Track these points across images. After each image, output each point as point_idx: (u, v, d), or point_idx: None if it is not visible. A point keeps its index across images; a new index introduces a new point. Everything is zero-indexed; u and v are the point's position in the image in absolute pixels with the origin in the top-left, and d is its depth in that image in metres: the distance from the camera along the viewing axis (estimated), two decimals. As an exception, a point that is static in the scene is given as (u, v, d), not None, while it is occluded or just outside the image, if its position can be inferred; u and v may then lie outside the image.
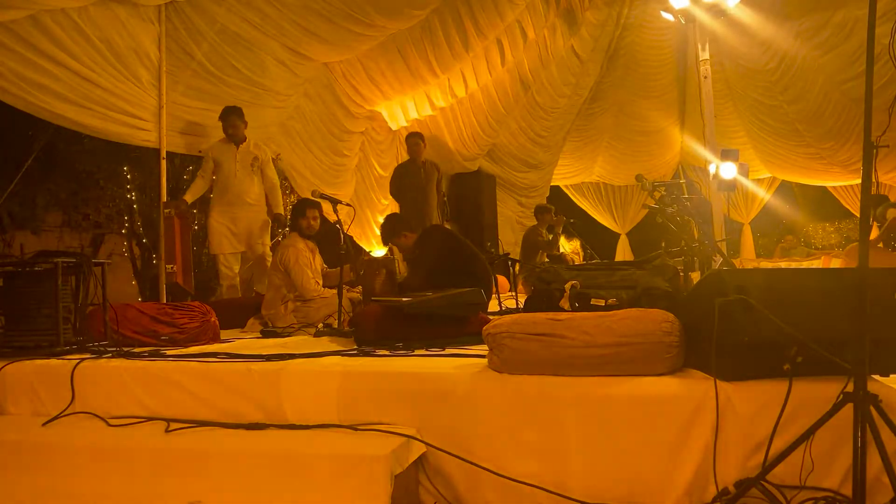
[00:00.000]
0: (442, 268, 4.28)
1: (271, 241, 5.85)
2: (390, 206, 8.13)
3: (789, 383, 2.02)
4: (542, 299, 2.86)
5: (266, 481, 2.16)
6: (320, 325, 4.25)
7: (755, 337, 2.05)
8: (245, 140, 5.50)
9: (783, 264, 9.80)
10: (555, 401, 2.27)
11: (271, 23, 5.92)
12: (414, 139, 7.22)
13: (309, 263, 4.72)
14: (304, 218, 4.82)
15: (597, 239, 12.00)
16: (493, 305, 4.92)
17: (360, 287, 4.68)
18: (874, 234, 5.24)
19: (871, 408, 1.80)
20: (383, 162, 8.55)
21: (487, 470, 2.25)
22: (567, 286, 2.78)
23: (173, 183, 6.43)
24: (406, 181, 7.07)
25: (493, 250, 7.89)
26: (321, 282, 4.83)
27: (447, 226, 7.07)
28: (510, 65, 9.19)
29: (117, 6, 4.97)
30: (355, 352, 2.98)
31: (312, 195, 4.78)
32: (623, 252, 13.69)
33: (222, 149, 5.46)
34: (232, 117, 5.41)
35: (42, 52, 4.49)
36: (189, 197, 5.54)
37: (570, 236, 8.79)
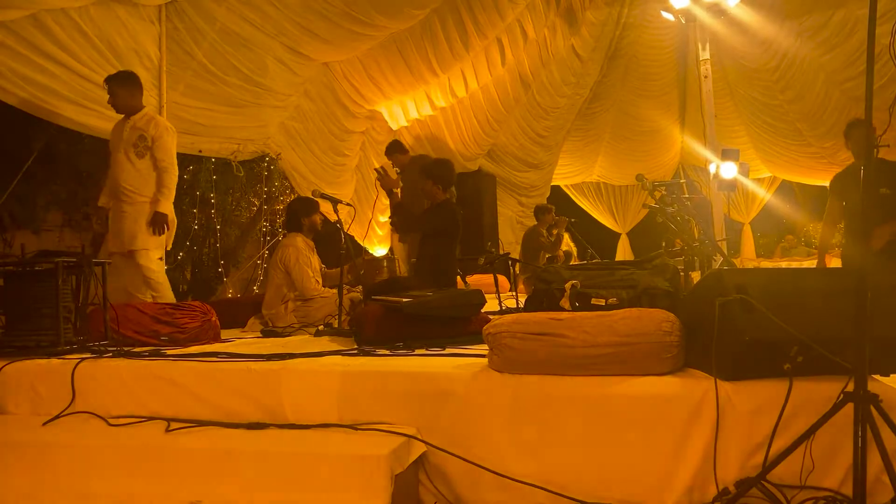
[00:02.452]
0: (433, 237, 4.73)
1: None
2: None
3: (790, 383, 2.02)
4: (542, 299, 2.86)
5: (266, 481, 2.16)
6: (321, 326, 4.26)
7: (755, 336, 2.05)
8: (134, 113, 4.48)
9: (783, 264, 9.80)
10: (555, 400, 2.27)
11: (272, 22, 5.93)
12: (389, 155, 6.90)
13: (309, 263, 4.72)
14: (309, 217, 4.84)
15: (597, 239, 11.99)
16: (493, 305, 4.92)
17: (360, 287, 4.69)
18: None
19: (872, 407, 1.80)
20: (383, 161, 8.56)
21: (487, 469, 2.25)
22: (567, 286, 2.78)
23: (173, 183, 6.42)
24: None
25: (493, 250, 7.88)
26: (321, 281, 4.84)
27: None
28: (510, 64, 9.19)
29: (118, 6, 4.97)
30: (355, 351, 2.98)
31: (313, 195, 4.78)
32: (623, 252, 13.69)
33: (115, 125, 4.57)
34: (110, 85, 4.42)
35: (43, 52, 4.49)
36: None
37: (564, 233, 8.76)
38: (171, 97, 5.48)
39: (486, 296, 3.56)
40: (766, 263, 11.11)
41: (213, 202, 6.77)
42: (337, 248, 4.30)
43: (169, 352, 3.14)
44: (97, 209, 4.74)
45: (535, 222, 8.72)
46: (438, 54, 7.86)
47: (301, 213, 4.88)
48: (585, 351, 2.28)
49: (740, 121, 12.05)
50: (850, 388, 1.83)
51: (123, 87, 4.44)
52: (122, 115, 4.52)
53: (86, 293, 3.35)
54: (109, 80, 4.45)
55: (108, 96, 4.44)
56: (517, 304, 5.31)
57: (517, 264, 6.76)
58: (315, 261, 4.87)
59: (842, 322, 1.95)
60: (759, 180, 13.29)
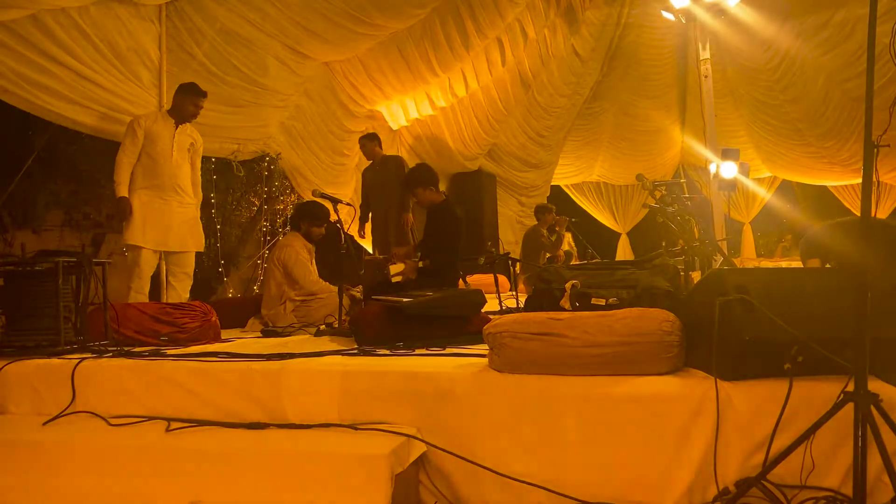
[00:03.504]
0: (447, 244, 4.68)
1: None
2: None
3: (790, 383, 2.02)
4: (542, 299, 2.86)
5: (266, 481, 2.16)
6: (321, 326, 4.26)
7: (756, 336, 2.05)
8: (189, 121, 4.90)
9: (783, 264, 9.79)
10: (555, 400, 2.27)
11: (272, 22, 5.92)
12: (361, 142, 6.91)
13: (307, 263, 4.74)
14: (313, 226, 4.86)
15: (597, 238, 12.00)
16: (493, 305, 4.92)
17: (360, 286, 4.69)
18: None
19: (872, 407, 1.80)
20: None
21: (488, 469, 2.25)
22: (567, 285, 2.78)
23: (173, 182, 6.41)
24: (367, 183, 6.82)
25: (493, 250, 7.88)
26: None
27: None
28: (511, 64, 9.19)
29: (118, 6, 4.97)
30: (356, 351, 2.98)
31: (313, 195, 4.78)
32: (623, 252, 13.69)
33: (157, 124, 4.72)
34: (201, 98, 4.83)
35: (43, 52, 4.49)
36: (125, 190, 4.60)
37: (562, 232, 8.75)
38: (171, 97, 5.47)
39: (487, 295, 3.56)
40: (767, 263, 11.11)
41: (214, 202, 6.77)
42: (337, 248, 4.30)
43: (169, 352, 3.14)
44: (117, 201, 4.58)
45: (536, 222, 8.72)
46: (439, 54, 7.86)
47: (307, 220, 4.89)
48: (585, 351, 2.28)
49: (740, 121, 12.05)
50: (851, 387, 1.83)
51: (179, 95, 4.77)
52: (169, 118, 4.76)
53: (86, 293, 3.35)
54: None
55: (193, 107, 4.79)
56: (517, 303, 5.31)
57: (517, 264, 6.75)
58: (312, 264, 4.89)
59: (842, 322, 1.95)
60: (759, 180, 13.30)
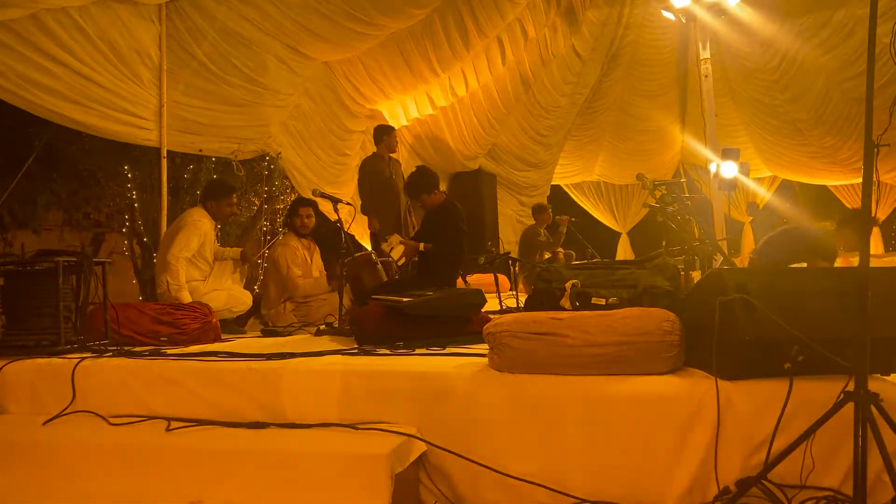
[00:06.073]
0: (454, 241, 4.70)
1: None
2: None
3: (790, 382, 2.02)
4: (542, 298, 2.86)
5: (266, 480, 2.16)
6: (321, 326, 4.26)
7: (756, 336, 2.05)
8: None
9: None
10: (555, 400, 2.27)
11: (272, 22, 5.92)
12: (395, 134, 6.85)
13: (295, 260, 4.74)
14: (296, 217, 4.88)
15: (597, 238, 11.98)
16: (493, 304, 4.92)
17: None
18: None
19: (872, 407, 1.80)
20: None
21: (488, 468, 2.25)
22: (568, 285, 2.77)
23: (174, 182, 6.39)
24: (379, 177, 6.62)
25: (493, 249, 7.88)
26: (322, 280, 4.85)
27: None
28: (511, 64, 9.18)
29: (118, 5, 4.96)
30: (356, 351, 2.98)
31: (313, 194, 4.79)
32: (624, 251, 13.69)
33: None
34: None
35: (43, 52, 4.49)
36: None
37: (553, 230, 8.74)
38: (171, 96, 5.47)
39: (487, 295, 3.56)
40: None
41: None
42: (337, 247, 4.30)
43: (169, 351, 3.14)
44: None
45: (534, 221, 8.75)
46: (439, 53, 7.85)
47: (293, 214, 4.95)
48: (586, 350, 2.28)
49: (740, 120, 12.04)
50: (851, 387, 1.83)
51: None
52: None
53: (86, 293, 3.35)
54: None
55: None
56: (517, 303, 5.31)
57: (517, 263, 6.75)
58: (316, 258, 4.89)
59: (842, 321, 1.95)
60: (759, 179, 13.29)
